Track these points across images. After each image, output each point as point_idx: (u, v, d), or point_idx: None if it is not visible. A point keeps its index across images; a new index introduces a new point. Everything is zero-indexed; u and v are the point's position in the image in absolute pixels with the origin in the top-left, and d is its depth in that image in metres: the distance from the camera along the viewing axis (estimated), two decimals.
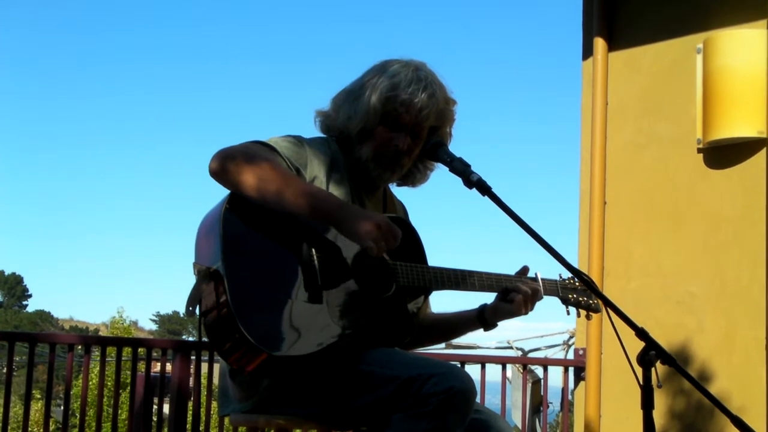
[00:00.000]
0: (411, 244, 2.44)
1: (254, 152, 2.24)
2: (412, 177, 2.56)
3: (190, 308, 2.17)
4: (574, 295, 2.66)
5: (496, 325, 2.59)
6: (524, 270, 2.58)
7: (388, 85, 2.38)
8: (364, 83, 2.43)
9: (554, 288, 2.62)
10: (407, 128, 2.39)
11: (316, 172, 2.34)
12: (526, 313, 2.53)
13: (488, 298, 2.58)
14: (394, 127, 2.40)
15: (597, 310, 2.68)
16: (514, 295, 2.50)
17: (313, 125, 2.52)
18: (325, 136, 2.50)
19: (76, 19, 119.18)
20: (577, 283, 2.67)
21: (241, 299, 2.10)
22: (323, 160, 2.38)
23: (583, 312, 2.69)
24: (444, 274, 2.43)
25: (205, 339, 2.21)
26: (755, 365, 4.45)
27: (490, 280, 2.51)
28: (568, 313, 2.68)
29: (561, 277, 2.66)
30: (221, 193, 2.24)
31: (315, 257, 2.23)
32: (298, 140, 2.38)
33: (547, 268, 2.58)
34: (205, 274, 2.14)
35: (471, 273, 2.48)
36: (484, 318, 2.57)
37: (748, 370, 4.48)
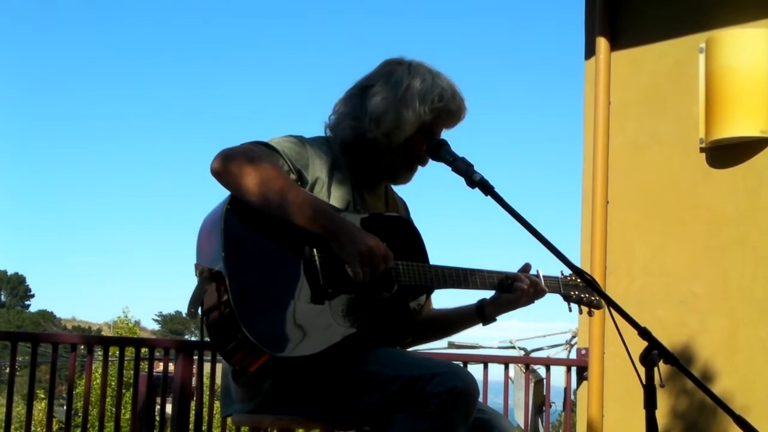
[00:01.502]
0: (412, 243, 2.44)
1: (256, 154, 2.24)
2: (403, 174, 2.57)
3: (192, 309, 2.17)
4: (576, 292, 2.66)
5: (495, 320, 2.59)
6: (526, 267, 2.59)
7: (437, 94, 2.40)
8: (398, 85, 2.41)
9: (556, 285, 2.63)
10: (439, 133, 2.45)
11: (318, 172, 2.35)
12: (526, 304, 2.54)
13: (488, 294, 2.58)
14: (429, 134, 2.43)
15: (599, 307, 2.69)
16: (517, 284, 2.51)
17: (327, 130, 2.51)
18: (325, 135, 2.50)
19: (77, 13, 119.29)
20: (578, 281, 2.68)
21: (243, 300, 2.10)
22: (325, 160, 2.38)
23: (585, 309, 2.70)
24: (445, 273, 2.43)
25: (207, 339, 2.22)
26: (758, 365, 4.45)
27: (491, 278, 2.52)
28: (570, 310, 2.69)
29: (562, 274, 2.67)
30: (224, 192, 2.25)
31: (317, 257, 2.23)
32: (300, 141, 2.38)
33: (549, 267, 2.59)
34: (206, 275, 2.14)
35: (473, 271, 2.49)
36: (483, 312, 2.57)
37: (751, 369, 4.48)
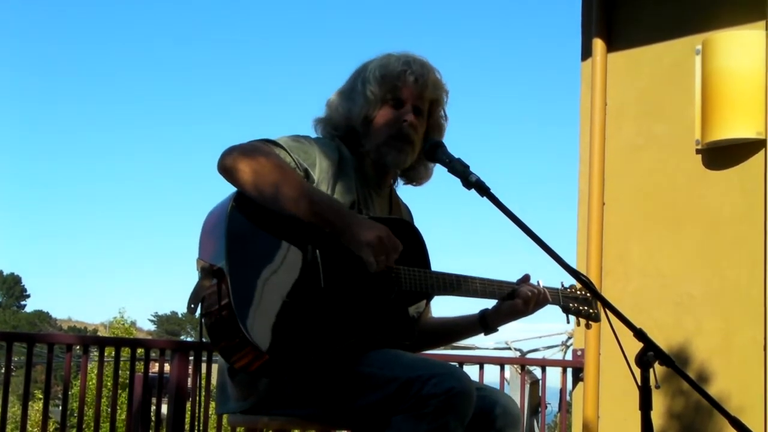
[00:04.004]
0: (415, 248, 2.43)
1: (255, 147, 2.25)
2: (417, 173, 2.56)
3: (192, 306, 2.16)
4: (575, 304, 2.65)
5: (497, 330, 2.59)
6: (526, 278, 2.58)
7: (379, 66, 2.43)
8: (353, 78, 2.48)
9: (556, 297, 2.62)
10: (408, 102, 2.43)
11: (323, 172, 2.34)
12: (529, 313, 2.53)
13: (489, 304, 2.57)
14: (397, 104, 2.42)
15: (597, 320, 2.68)
16: (520, 294, 2.51)
17: (315, 133, 2.53)
18: (332, 136, 2.50)
19: (79, 21, 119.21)
20: (578, 292, 2.67)
21: (244, 300, 2.10)
22: (332, 160, 2.38)
23: (582, 321, 2.69)
24: (446, 280, 2.42)
25: (205, 339, 2.21)
26: (754, 366, 4.45)
27: (492, 286, 2.51)
28: (568, 322, 2.69)
29: (563, 285, 2.66)
30: (219, 194, 2.26)
31: (319, 258, 2.23)
32: (307, 140, 2.39)
33: (546, 270, 2.58)
34: (208, 272, 2.14)
35: (473, 279, 2.48)
36: (486, 322, 2.56)
37: (746, 371, 4.48)
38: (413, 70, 2.42)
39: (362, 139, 2.45)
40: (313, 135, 2.51)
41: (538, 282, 2.58)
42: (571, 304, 2.65)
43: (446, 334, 2.69)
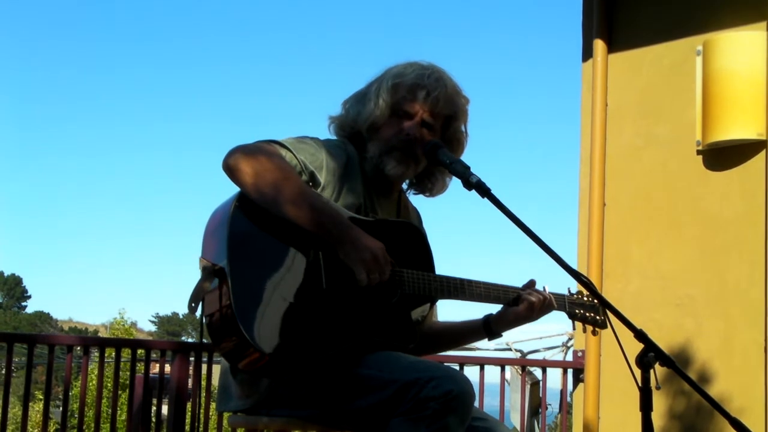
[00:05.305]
0: (420, 251, 2.42)
1: (258, 147, 2.25)
2: (430, 183, 2.55)
3: (193, 305, 2.16)
4: (581, 311, 2.63)
5: (501, 335, 2.57)
6: (531, 283, 2.55)
7: (393, 75, 2.41)
8: (370, 82, 2.46)
9: (562, 302, 2.60)
10: (417, 116, 2.40)
11: (330, 175, 2.33)
12: (534, 319, 2.51)
13: (493, 309, 2.56)
14: (404, 116, 2.40)
15: (603, 326, 2.65)
16: (525, 299, 2.49)
17: (327, 131, 2.53)
18: (341, 138, 2.50)
19: (81, 20, 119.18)
20: (584, 298, 2.65)
21: (244, 300, 2.10)
22: (339, 162, 2.37)
23: (589, 327, 2.67)
24: (450, 284, 2.41)
25: (206, 339, 2.21)
26: (754, 367, 4.45)
27: (497, 291, 2.49)
28: (574, 328, 2.67)
29: (569, 291, 2.64)
30: (224, 193, 2.26)
31: (321, 260, 2.23)
32: (315, 142, 2.38)
33: (546, 271, 2.56)
34: (209, 271, 2.14)
35: (478, 283, 2.46)
36: (490, 327, 2.55)
37: (747, 372, 4.48)
38: (426, 84, 2.39)
39: (367, 144, 2.44)
40: (326, 133, 2.51)
41: (543, 287, 2.55)
42: (577, 311, 2.62)
43: (450, 339, 2.68)
